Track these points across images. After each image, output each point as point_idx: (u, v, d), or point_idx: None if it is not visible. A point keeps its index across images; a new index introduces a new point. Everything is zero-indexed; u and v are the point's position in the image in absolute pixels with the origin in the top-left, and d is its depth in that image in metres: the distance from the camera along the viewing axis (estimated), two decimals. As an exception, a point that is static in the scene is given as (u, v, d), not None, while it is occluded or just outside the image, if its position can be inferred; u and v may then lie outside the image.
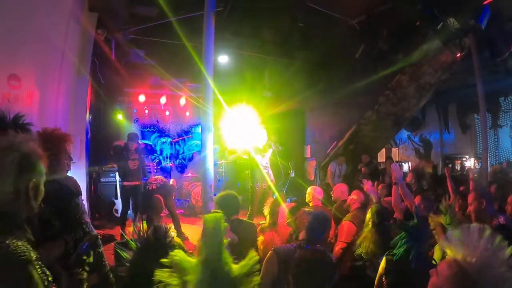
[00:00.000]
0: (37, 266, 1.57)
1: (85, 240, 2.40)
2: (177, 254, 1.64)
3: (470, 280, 1.42)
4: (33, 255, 1.55)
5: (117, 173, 8.86)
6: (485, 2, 6.10)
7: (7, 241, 1.48)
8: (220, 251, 1.60)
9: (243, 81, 10.58)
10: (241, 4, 7.26)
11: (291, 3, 7.62)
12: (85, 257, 2.30)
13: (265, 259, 3.15)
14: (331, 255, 3.11)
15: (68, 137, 3.03)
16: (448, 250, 1.54)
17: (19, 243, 1.52)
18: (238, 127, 7.03)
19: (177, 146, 14.15)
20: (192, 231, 7.87)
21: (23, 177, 1.66)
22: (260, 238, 4.30)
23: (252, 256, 1.71)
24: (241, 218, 4.28)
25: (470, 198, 3.85)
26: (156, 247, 1.88)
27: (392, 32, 7.97)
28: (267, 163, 8.46)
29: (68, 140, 3.02)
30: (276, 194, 7.18)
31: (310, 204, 5.64)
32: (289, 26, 8.32)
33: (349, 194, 5.63)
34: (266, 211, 4.76)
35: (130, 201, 8.14)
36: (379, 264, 3.29)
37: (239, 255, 1.89)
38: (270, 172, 8.61)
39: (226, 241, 1.65)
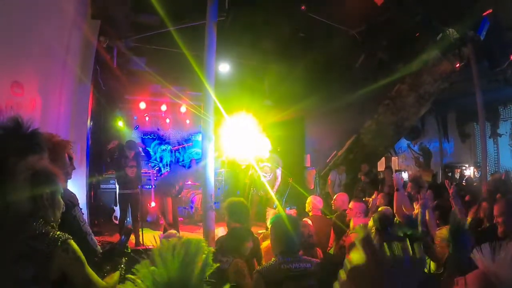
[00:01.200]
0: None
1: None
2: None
3: None
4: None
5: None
6: (484, 13, 6.16)
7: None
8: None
9: (243, 90, 10.62)
10: (242, 14, 7.32)
11: (292, 13, 7.69)
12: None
13: (253, 283, 3.07)
14: (314, 263, 3.08)
15: (66, 144, 2.91)
16: (480, 263, 1.58)
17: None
18: (238, 136, 7.04)
19: (177, 154, 14.17)
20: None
21: (37, 191, 2.06)
22: (265, 244, 4.26)
23: None
24: (240, 227, 4.26)
25: (497, 209, 3.67)
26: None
27: (392, 43, 8.02)
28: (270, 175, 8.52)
29: (66, 146, 2.88)
30: (276, 203, 7.20)
31: (310, 214, 5.65)
32: (290, 36, 8.39)
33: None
34: (269, 222, 4.75)
35: (129, 208, 8.13)
36: None
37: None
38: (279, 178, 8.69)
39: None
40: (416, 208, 4.86)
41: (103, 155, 10.20)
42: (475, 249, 1.62)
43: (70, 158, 2.92)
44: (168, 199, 8.35)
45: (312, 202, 5.64)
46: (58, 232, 2.05)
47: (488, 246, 1.58)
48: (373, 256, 1.14)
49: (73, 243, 2.06)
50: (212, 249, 1.21)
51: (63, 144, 2.83)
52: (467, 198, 6.63)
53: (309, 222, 5.15)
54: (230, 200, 4.45)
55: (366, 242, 1.20)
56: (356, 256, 1.09)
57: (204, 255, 1.16)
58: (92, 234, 2.90)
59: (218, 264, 1.21)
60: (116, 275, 2.35)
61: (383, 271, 1.12)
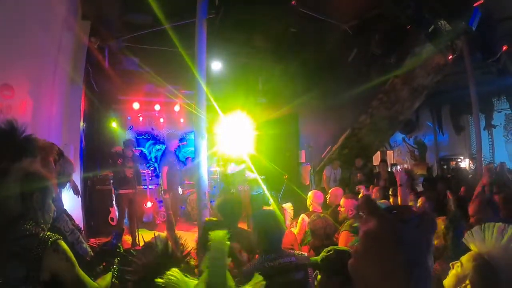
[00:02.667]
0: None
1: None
2: (174, 274, 1.58)
3: (493, 270, 1.63)
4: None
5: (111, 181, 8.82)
6: (475, 4, 6.15)
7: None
8: (224, 274, 1.50)
9: (237, 88, 10.59)
10: (233, 11, 7.28)
11: (283, 9, 7.65)
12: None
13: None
14: (299, 256, 3.07)
15: (51, 148, 2.86)
16: (472, 245, 1.75)
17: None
18: (232, 134, 7.03)
19: (172, 153, 14.11)
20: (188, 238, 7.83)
21: (27, 193, 2.09)
22: None
23: (258, 280, 1.65)
24: (241, 227, 4.25)
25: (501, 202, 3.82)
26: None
27: (384, 37, 8.01)
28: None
29: (50, 151, 2.84)
30: (271, 200, 7.17)
31: (310, 209, 5.62)
32: (282, 32, 8.36)
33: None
34: None
35: (126, 209, 8.11)
36: None
37: (240, 265, 1.89)
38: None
39: (229, 262, 1.54)
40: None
41: (101, 156, 10.18)
42: (466, 233, 1.78)
43: (57, 161, 2.89)
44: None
45: (312, 197, 5.62)
46: (49, 233, 2.06)
47: (478, 229, 1.74)
48: (378, 214, 1.17)
49: (63, 243, 2.06)
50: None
51: (47, 148, 2.79)
52: (462, 190, 6.64)
53: (306, 218, 5.13)
54: (222, 200, 4.43)
55: (368, 202, 1.23)
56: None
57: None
58: (83, 241, 2.88)
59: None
60: (108, 276, 2.35)
61: (391, 226, 1.14)
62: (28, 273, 1.91)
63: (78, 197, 3.63)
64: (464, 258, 1.75)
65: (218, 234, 1.57)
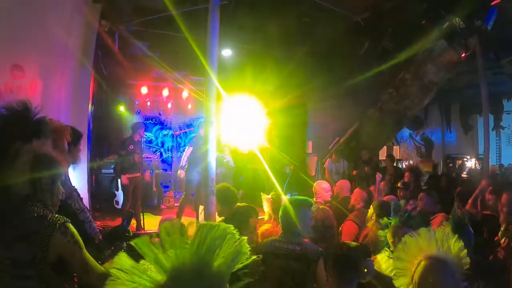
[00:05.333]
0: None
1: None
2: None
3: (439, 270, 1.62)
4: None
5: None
6: (492, 3, 6.05)
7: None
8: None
9: (246, 75, 10.54)
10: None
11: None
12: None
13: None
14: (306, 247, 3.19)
15: (65, 129, 2.81)
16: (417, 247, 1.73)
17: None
18: (239, 122, 6.99)
19: (178, 139, 14.13)
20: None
21: (36, 175, 2.08)
22: (263, 228, 4.26)
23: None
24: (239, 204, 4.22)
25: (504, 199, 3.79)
26: None
27: (397, 31, 7.91)
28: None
29: (64, 133, 2.79)
30: (279, 187, 7.16)
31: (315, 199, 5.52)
32: (293, 21, 8.28)
33: (351, 191, 5.62)
34: (268, 208, 4.73)
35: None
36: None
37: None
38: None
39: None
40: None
41: (103, 140, 10.19)
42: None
43: (71, 143, 2.89)
44: None
45: (318, 186, 5.40)
46: (57, 215, 2.08)
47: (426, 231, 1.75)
48: None
49: (71, 226, 2.08)
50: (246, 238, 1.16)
51: (61, 130, 2.79)
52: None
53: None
54: (217, 186, 4.47)
55: None
56: None
57: (234, 242, 1.11)
58: (92, 221, 2.89)
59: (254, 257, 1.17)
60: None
61: None
62: (35, 255, 1.93)
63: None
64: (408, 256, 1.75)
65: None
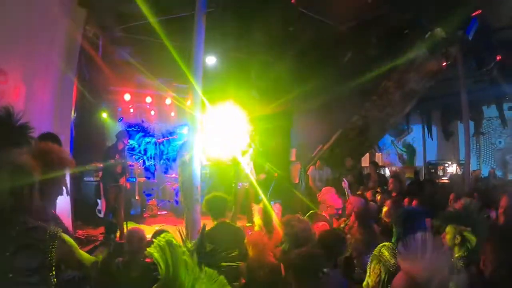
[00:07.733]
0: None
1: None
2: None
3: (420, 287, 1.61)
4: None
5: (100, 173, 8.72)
6: (473, 14, 6.20)
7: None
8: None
9: (230, 83, 10.53)
10: (230, 6, 7.24)
11: (281, 7, 7.62)
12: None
13: None
14: None
15: (68, 163, 2.70)
16: (401, 262, 1.75)
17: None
18: (222, 130, 6.93)
19: (161, 147, 14.03)
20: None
21: (17, 184, 2.05)
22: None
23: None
24: (228, 222, 4.26)
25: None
26: None
27: (381, 40, 8.03)
28: (249, 162, 8.51)
29: (67, 166, 2.67)
30: (262, 196, 7.16)
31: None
32: (278, 29, 8.33)
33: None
34: (256, 219, 4.69)
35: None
36: (366, 262, 3.34)
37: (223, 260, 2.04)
38: (253, 170, 8.67)
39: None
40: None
41: (86, 147, 10.03)
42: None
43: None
44: None
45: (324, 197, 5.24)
46: (51, 225, 2.19)
47: (406, 243, 1.73)
48: None
49: (64, 234, 2.21)
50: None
51: (62, 163, 2.64)
52: (451, 196, 6.68)
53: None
54: (209, 196, 4.53)
55: None
56: None
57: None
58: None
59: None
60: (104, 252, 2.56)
61: None
62: (42, 262, 2.03)
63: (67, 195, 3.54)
64: (394, 280, 1.77)
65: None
